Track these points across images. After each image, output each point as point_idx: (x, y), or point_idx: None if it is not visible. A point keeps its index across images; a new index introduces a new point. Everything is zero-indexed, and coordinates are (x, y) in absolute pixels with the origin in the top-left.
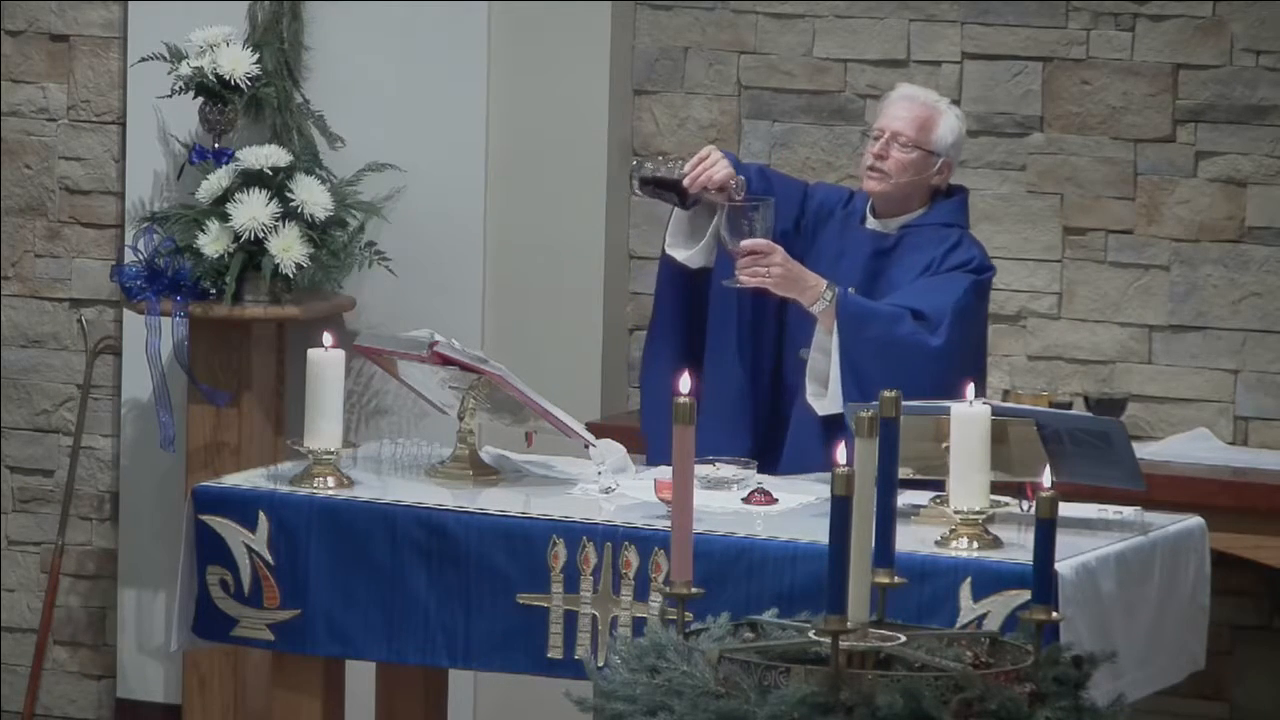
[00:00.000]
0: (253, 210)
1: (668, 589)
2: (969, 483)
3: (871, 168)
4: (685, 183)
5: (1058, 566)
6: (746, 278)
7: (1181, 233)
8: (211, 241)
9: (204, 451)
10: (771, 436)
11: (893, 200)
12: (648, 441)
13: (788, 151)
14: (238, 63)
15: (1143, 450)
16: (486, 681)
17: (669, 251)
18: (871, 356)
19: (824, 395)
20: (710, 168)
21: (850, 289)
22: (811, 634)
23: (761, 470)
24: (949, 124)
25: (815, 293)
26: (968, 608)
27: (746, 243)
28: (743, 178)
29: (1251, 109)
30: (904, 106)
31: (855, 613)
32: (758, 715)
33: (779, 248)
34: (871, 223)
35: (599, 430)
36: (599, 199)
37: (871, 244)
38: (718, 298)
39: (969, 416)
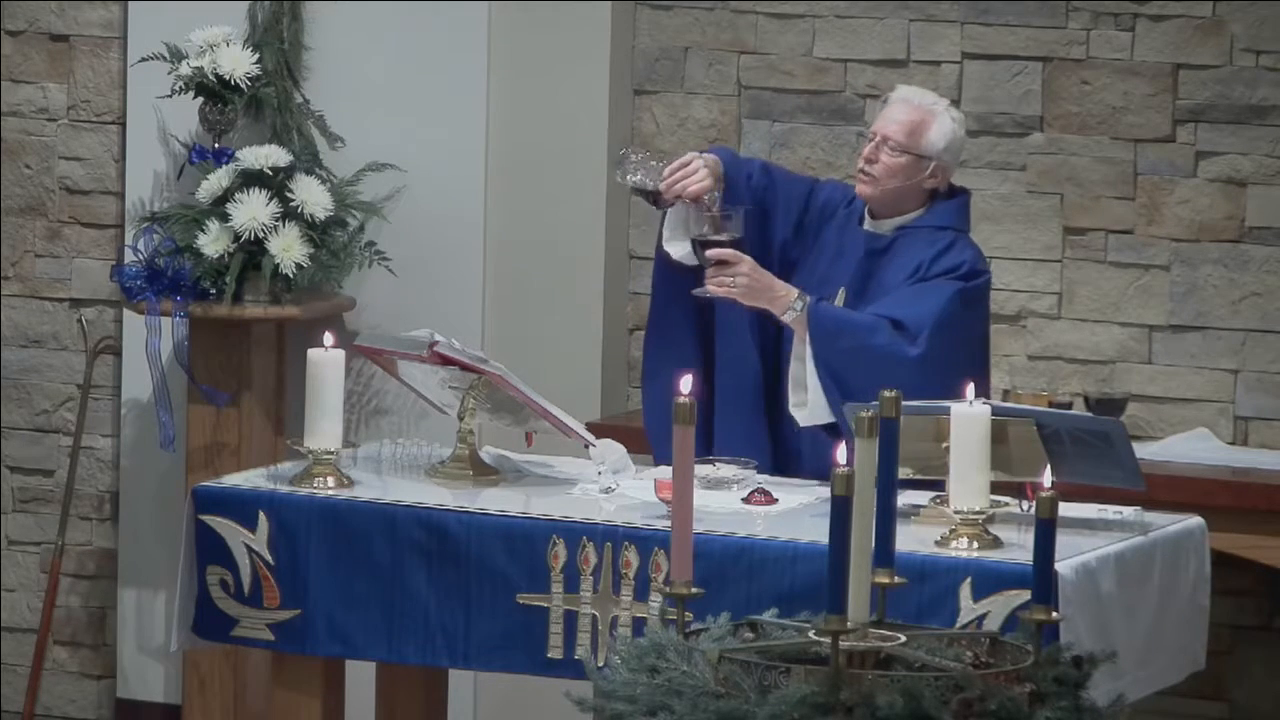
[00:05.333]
0: (253, 210)
1: (668, 589)
2: (969, 483)
3: (861, 171)
4: (662, 188)
5: (1058, 566)
6: (714, 287)
7: (1181, 233)
8: (211, 241)
9: (204, 451)
10: (787, 435)
11: (886, 203)
12: (652, 442)
13: (788, 151)
14: (238, 63)
15: (1143, 450)
16: (486, 681)
17: (667, 248)
18: (849, 366)
19: (805, 405)
20: (688, 177)
21: (841, 289)
22: (811, 634)
23: (782, 474)
24: (942, 127)
25: (785, 302)
26: (968, 608)
27: (712, 252)
28: (715, 193)
29: (1251, 109)
30: (898, 110)
31: (855, 613)
32: (758, 715)
33: (746, 258)
34: (868, 223)
35: (599, 430)
36: (599, 199)
37: (865, 245)
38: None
39: (969, 416)
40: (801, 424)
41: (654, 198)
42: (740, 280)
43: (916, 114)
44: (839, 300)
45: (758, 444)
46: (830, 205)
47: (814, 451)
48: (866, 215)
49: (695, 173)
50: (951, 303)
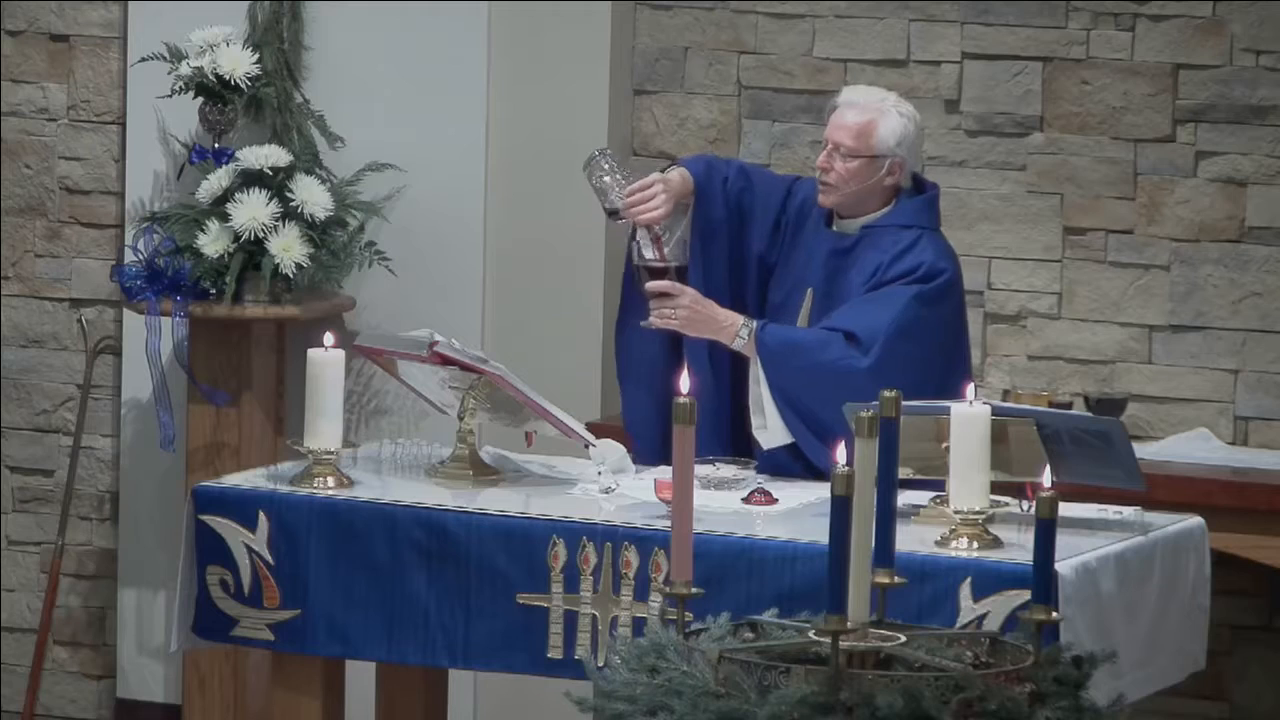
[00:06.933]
0: (253, 210)
1: (668, 589)
2: (969, 483)
3: (820, 180)
4: (620, 208)
5: (1058, 566)
6: (656, 319)
7: (1181, 233)
8: (211, 241)
9: (204, 451)
10: (743, 435)
11: (849, 205)
12: (634, 440)
13: (788, 151)
14: (238, 63)
15: (1143, 450)
16: (486, 681)
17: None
18: (803, 386)
19: (765, 429)
20: (646, 204)
21: (809, 291)
22: (811, 634)
23: None
24: (890, 124)
25: (731, 331)
26: (968, 608)
27: (651, 285)
28: (667, 221)
29: (1251, 109)
30: (845, 113)
31: (855, 613)
32: (758, 715)
33: (688, 289)
34: (835, 224)
35: (599, 430)
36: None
37: (830, 245)
38: None
39: (969, 416)
40: (765, 446)
41: (613, 211)
42: (681, 313)
43: (864, 115)
44: (806, 302)
45: (717, 441)
46: (807, 204)
47: (765, 459)
48: (835, 215)
49: (652, 199)
50: (908, 309)
